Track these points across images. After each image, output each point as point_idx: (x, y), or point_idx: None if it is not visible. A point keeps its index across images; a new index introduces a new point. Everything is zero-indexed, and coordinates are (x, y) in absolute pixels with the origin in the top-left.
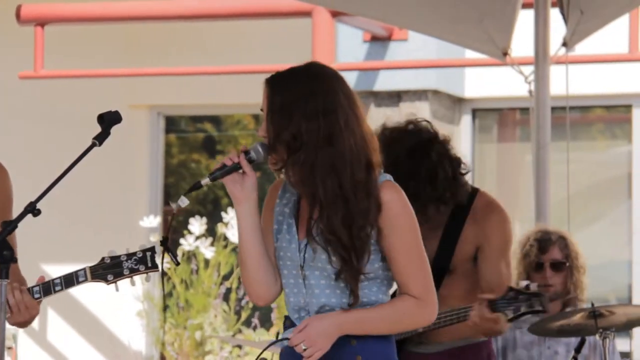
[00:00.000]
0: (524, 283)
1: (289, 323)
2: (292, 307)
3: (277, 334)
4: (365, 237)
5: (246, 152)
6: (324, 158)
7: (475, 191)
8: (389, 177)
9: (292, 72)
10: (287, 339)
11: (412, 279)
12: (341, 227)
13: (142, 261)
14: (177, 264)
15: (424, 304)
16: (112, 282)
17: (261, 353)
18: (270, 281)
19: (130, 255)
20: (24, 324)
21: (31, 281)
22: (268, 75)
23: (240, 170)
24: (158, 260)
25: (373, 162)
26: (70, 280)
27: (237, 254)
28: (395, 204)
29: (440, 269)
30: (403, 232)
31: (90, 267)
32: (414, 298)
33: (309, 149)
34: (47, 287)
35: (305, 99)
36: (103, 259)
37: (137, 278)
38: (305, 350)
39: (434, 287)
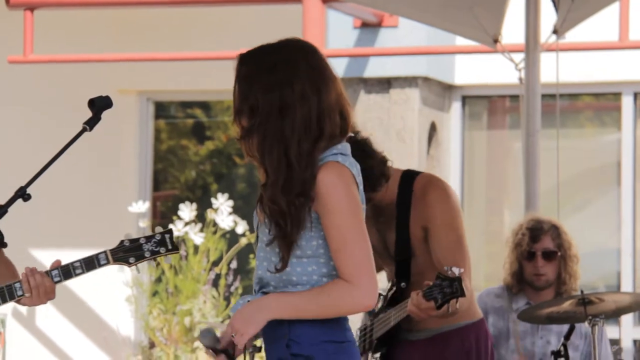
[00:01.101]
0: (454, 270)
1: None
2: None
3: None
4: (300, 205)
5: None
6: (275, 129)
7: (416, 174)
8: (338, 158)
9: (262, 46)
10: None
11: (343, 262)
12: (280, 193)
13: (162, 243)
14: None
15: (354, 287)
16: (134, 265)
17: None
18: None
19: (149, 238)
20: (35, 304)
21: (19, 267)
22: None
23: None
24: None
25: (325, 134)
26: (91, 263)
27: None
28: (327, 184)
29: (404, 257)
30: (334, 214)
31: (111, 250)
32: (345, 281)
33: (263, 120)
34: (67, 271)
35: (265, 71)
36: (122, 242)
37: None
38: (233, 337)
39: (371, 271)
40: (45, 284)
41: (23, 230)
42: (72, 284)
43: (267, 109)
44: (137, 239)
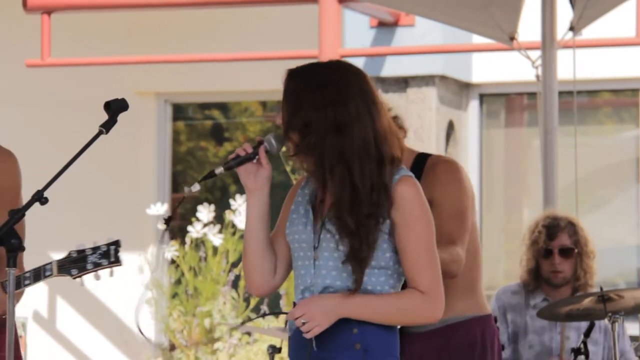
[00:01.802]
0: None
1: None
2: (297, 286)
3: (286, 321)
4: (372, 226)
5: (260, 143)
6: (332, 145)
7: (430, 154)
8: (409, 173)
9: (312, 64)
10: (286, 313)
11: (421, 273)
12: (348, 213)
13: (106, 255)
14: (171, 238)
15: (430, 299)
16: (77, 277)
17: (253, 318)
18: (268, 272)
19: (95, 249)
20: None
21: None
22: (275, 62)
23: (254, 161)
24: (121, 255)
25: (386, 157)
26: (37, 274)
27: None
28: (408, 198)
29: None
30: (414, 226)
31: (58, 261)
32: (421, 292)
33: (318, 135)
34: (18, 282)
35: (316, 88)
36: (70, 252)
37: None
38: (304, 324)
39: (441, 284)
40: None
41: (42, 233)
42: (92, 286)
43: (322, 126)
44: (84, 250)
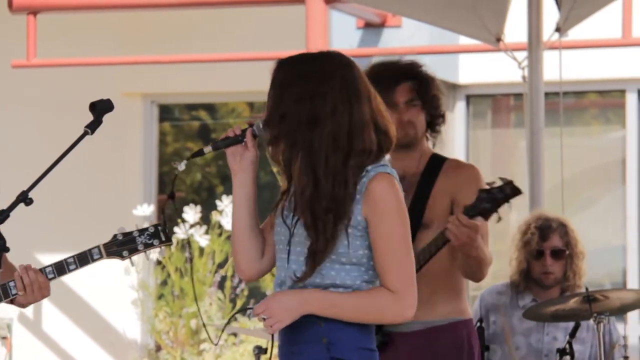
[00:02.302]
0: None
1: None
2: (275, 282)
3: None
4: (329, 221)
5: (250, 126)
6: (303, 140)
7: (445, 158)
8: (388, 170)
9: (301, 55)
10: (251, 308)
11: (390, 272)
12: (307, 207)
13: (156, 235)
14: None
15: (399, 298)
16: (127, 258)
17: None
18: (255, 256)
19: (142, 231)
20: (29, 303)
21: None
22: (262, 63)
23: (242, 143)
24: (170, 234)
25: (355, 151)
26: (84, 258)
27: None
28: (380, 195)
29: (412, 226)
30: (385, 224)
31: (104, 245)
32: (390, 291)
33: (291, 128)
34: (61, 267)
35: (299, 81)
36: (115, 236)
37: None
38: (264, 320)
39: (415, 284)
40: (39, 280)
41: (28, 234)
42: (78, 287)
43: (297, 118)
44: (130, 232)
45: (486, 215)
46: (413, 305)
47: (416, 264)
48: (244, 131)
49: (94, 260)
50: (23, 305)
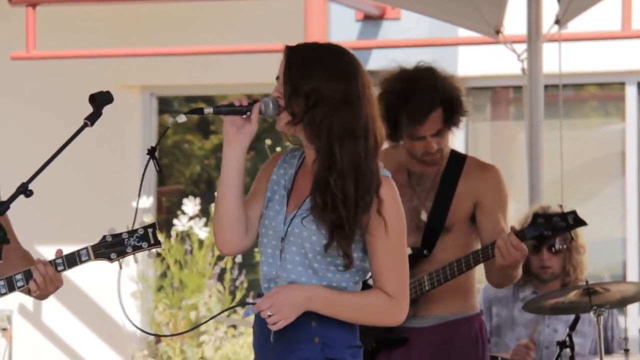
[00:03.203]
0: (553, 207)
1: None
2: (263, 276)
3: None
4: (367, 204)
5: (255, 102)
6: (342, 119)
7: (464, 156)
8: (386, 173)
9: (314, 42)
10: (253, 303)
11: (389, 276)
12: (352, 187)
13: (145, 238)
14: (159, 170)
15: (395, 303)
16: (116, 260)
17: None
18: (240, 231)
19: (131, 233)
20: (46, 295)
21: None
22: (261, 55)
23: (244, 116)
24: (160, 237)
25: (379, 140)
26: (72, 259)
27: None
28: (388, 200)
29: (435, 226)
30: (390, 230)
31: (92, 246)
32: (387, 295)
33: (328, 107)
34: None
35: (329, 58)
36: (104, 237)
37: (138, 255)
38: (270, 316)
39: (408, 290)
40: (50, 274)
41: (28, 226)
42: (78, 279)
43: (332, 96)
44: (120, 234)
45: (543, 242)
46: (406, 311)
47: (450, 273)
48: (250, 104)
49: (82, 262)
50: (38, 296)
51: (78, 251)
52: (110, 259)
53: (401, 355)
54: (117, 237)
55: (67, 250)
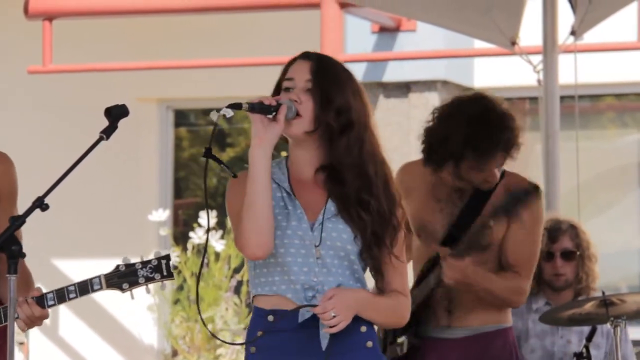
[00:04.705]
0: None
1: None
2: (301, 285)
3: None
4: (398, 224)
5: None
6: (370, 141)
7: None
8: None
9: (327, 55)
10: (311, 305)
11: (400, 277)
12: (385, 205)
13: (158, 269)
14: (234, 175)
15: (409, 302)
16: (128, 290)
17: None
18: (272, 234)
19: (145, 263)
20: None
21: (40, 276)
22: (277, 68)
23: (270, 116)
24: (172, 269)
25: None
26: (85, 288)
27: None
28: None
29: (454, 240)
30: (400, 235)
31: (105, 275)
32: (403, 295)
33: (360, 127)
34: (62, 295)
35: (351, 76)
36: (118, 266)
37: (152, 286)
38: (333, 317)
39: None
40: (35, 314)
41: (44, 239)
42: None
43: (361, 117)
44: (133, 264)
45: (509, 212)
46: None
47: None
48: (278, 105)
49: (94, 291)
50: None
51: (90, 279)
52: (122, 289)
53: None
54: (130, 267)
55: (83, 264)
